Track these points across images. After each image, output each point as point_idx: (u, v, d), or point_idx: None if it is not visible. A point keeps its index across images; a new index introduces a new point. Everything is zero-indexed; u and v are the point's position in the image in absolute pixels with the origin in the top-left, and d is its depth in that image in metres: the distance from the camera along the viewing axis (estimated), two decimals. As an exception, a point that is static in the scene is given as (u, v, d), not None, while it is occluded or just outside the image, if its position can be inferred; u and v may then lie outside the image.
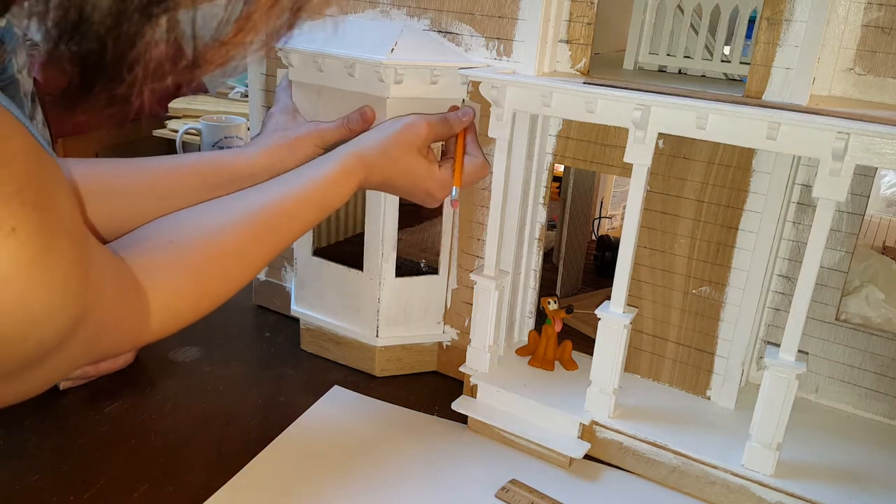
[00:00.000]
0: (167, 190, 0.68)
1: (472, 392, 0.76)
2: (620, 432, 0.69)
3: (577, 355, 0.80)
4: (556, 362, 0.79)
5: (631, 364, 0.77)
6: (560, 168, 1.02)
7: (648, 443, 0.68)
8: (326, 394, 0.79)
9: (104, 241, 0.67)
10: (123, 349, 0.54)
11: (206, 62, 0.34)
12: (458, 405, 0.75)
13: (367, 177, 0.67)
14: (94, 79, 0.32)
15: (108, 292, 0.44)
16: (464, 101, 0.75)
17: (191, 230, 0.57)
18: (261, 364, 0.85)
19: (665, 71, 0.81)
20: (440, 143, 0.77)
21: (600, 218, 1.17)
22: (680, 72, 0.80)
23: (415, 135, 0.68)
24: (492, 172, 0.72)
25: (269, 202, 0.61)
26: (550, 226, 1.10)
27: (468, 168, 0.72)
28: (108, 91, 0.32)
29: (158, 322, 0.52)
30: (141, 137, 1.89)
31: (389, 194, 0.75)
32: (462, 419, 0.75)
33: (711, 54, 0.78)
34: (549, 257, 1.08)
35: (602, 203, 1.17)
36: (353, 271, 0.82)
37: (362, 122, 0.73)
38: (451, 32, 0.75)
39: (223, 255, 0.57)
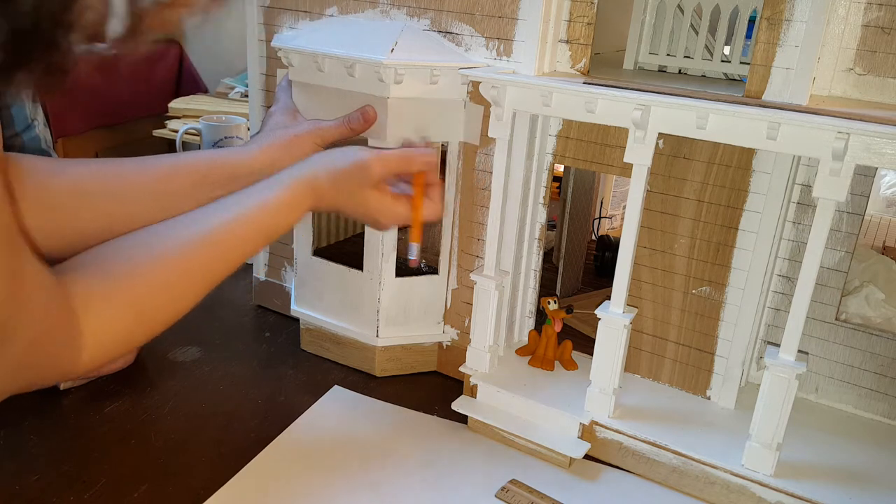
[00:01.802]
0: (166, 189, 0.68)
1: (472, 392, 0.76)
2: (620, 432, 0.69)
3: (577, 355, 0.80)
4: (556, 362, 0.79)
5: (631, 364, 0.77)
6: (560, 168, 1.02)
7: (648, 443, 0.68)
8: (326, 394, 0.79)
9: (102, 240, 0.66)
10: (51, 377, 0.51)
11: (145, 28, 0.33)
12: (458, 405, 0.75)
13: (316, 204, 0.64)
14: (29, 48, 0.31)
15: (37, 312, 0.42)
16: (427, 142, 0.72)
17: (129, 258, 0.55)
18: (261, 364, 0.85)
19: (665, 71, 0.81)
20: None
21: (600, 218, 1.17)
22: (680, 72, 0.80)
23: (365, 175, 0.65)
24: (492, 172, 0.72)
25: (214, 228, 0.58)
26: (550, 226, 1.10)
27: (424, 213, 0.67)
28: (44, 59, 0.31)
29: (90, 353, 0.50)
30: (141, 137, 1.89)
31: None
32: (462, 419, 0.75)
33: (711, 54, 0.78)
34: (549, 257, 1.07)
35: (602, 203, 1.17)
36: (353, 271, 0.82)
37: (364, 121, 0.73)
38: (451, 32, 0.75)
39: (161, 285, 0.55)
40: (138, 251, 0.56)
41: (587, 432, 0.71)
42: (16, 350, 0.40)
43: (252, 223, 0.60)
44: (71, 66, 0.32)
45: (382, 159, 0.65)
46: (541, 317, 0.81)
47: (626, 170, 0.65)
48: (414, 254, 0.67)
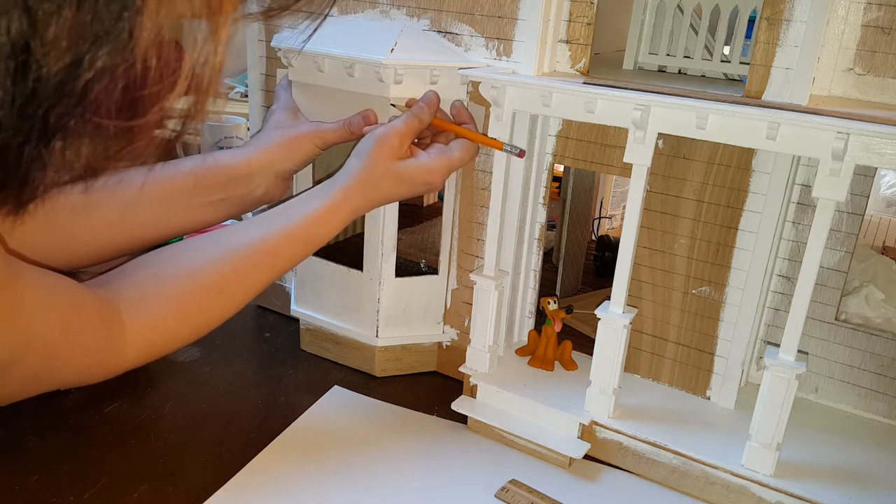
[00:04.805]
0: (162, 197, 0.68)
1: (472, 392, 0.76)
2: (620, 432, 0.69)
3: (577, 355, 0.80)
4: (556, 362, 0.79)
5: (631, 364, 0.77)
6: (560, 168, 1.02)
7: (648, 443, 0.68)
8: (326, 394, 0.79)
9: (105, 251, 0.67)
10: (93, 376, 0.54)
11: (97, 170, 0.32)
12: (458, 405, 0.75)
13: (359, 205, 0.67)
14: None
15: (50, 326, 0.44)
16: (394, 105, 0.73)
17: (174, 264, 0.58)
18: (261, 364, 0.85)
19: (665, 71, 0.81)
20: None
21: (600, 218, 1.17)
22: (680, 72, 0.80)
23: (389, 147, 0.67)
24: (492, 172, 0.72)
25: (254, 239, 0.62)
26: (550, 226, 1.10)
27: (472, 129, 0.71)
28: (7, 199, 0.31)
29: (135, 351, 0.53)
30: (141, 137, 1.89)
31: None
32: (462, 419, 0.75)
33: (711, 54, 0.78)
34: (549, 257, 1.07)
35: (602, 203, 1.17)
36: (353, 271, 0.82)
37: (364, 124, 0.73)
38: (450, 32, 0.75)
39: (203, 288, 0.58)
40: (183, 257, 0.59)
41: (587, 432, 0.71)
42: (33, 359, 0.42)
43: (290, 235, 0.63)
44: (32, 205, 0.31)
45: (395, 129, 0.68)
46: (541, 317, 0.81)
47: (626, 170, 0.65)
48: (509, 149, 0.69)
